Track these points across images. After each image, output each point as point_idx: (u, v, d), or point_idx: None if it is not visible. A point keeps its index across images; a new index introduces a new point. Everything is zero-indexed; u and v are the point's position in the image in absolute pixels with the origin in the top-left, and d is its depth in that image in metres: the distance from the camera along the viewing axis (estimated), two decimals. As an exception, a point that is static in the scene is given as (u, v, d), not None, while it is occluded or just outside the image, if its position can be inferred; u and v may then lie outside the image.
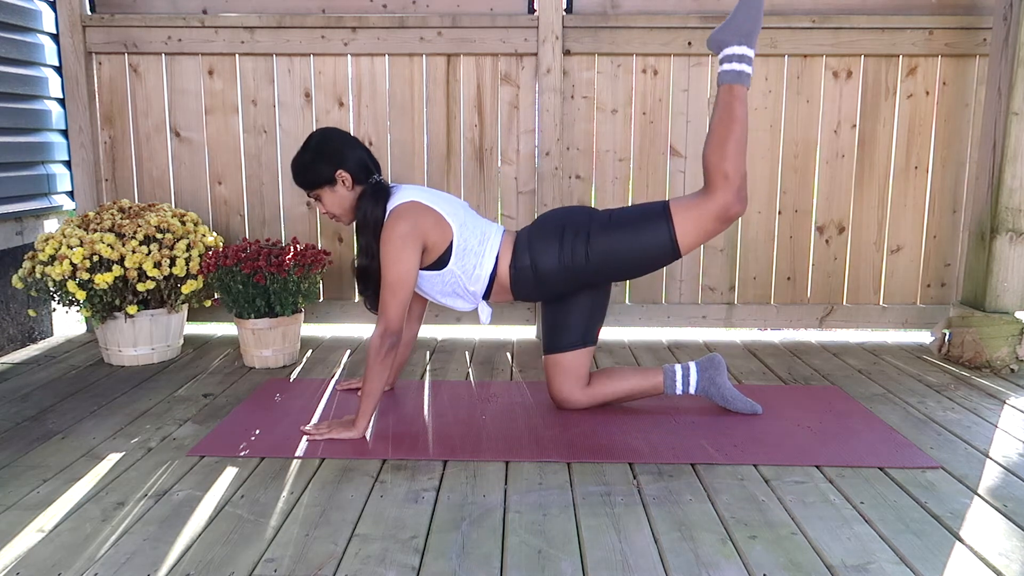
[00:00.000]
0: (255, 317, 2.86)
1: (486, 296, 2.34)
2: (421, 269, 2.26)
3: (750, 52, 2.18)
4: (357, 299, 3.49)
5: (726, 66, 2.19)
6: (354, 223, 2.31)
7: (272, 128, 3.38)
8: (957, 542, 1.64)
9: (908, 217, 3.41)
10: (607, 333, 3.49)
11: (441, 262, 2.25)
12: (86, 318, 3.20)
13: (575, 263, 2.22)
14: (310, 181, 2.29)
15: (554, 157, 3.32)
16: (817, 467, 2.01)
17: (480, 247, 2.27)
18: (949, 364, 3.01)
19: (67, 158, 3.41)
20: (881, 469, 2.00)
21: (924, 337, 3.42)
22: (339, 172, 2.26)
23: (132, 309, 2.82)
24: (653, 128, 3.36)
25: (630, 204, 3.37)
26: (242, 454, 2.07)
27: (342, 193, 2.28)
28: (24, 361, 3.02)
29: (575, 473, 1.97)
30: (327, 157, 2.26)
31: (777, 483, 1.91)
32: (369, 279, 2.27)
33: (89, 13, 3.31)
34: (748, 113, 2.11)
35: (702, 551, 1.60)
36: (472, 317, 3.46)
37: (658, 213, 2.19)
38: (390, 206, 2.24)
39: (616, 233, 2.20)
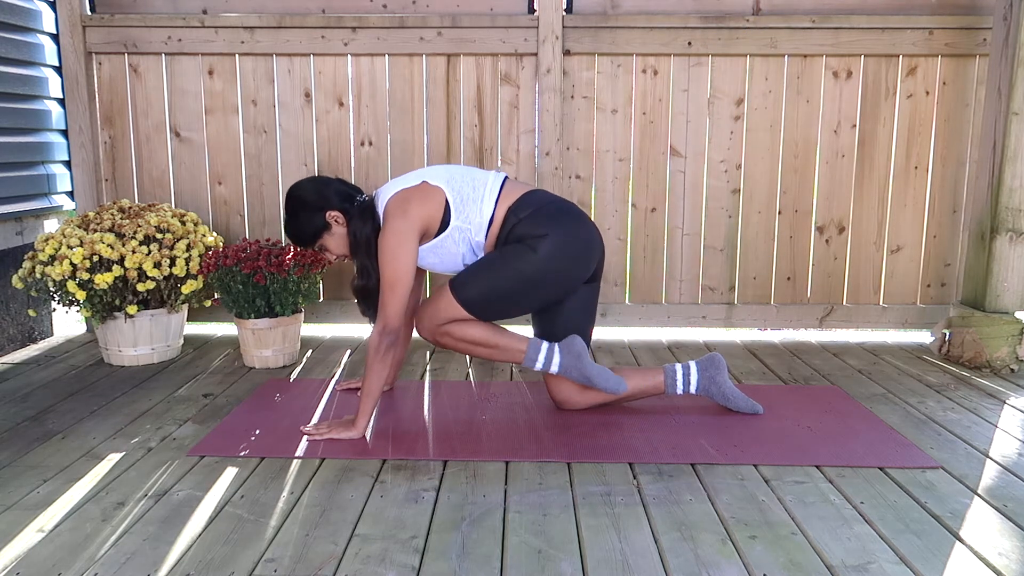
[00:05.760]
0: (255, 317, 2.86)
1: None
2: (429, 241, 2.26)
3: (556, 356, 2.28)
4: (357, 299, 3.49)
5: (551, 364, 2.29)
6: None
7: (272, 128, 3.38)
8: (957, 542, 1.64)
9: (908, 217, 3.41)
10: (607, 333, 3.49)
11: (444, 224, 2.24)
12: (86, 318, 3.20)
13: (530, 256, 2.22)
14: (310, 235, 2.31)
15: (554, 157, 3.32)
16: (817, 467, 2.01)
17: (476, 193, 2.26)
18: (949, 364, 3.01)
19: (67, 158, 3.41)
20: (881, 469, 2.00)
21: (924, 337, 3.42)
22: (329, 214, 2.28)
23: (132, 309, 2.82)
24: (653, 128, 3.36)
25: (628, 203, 3.38)
26: (242, 454, 2.07)
27: (340, 232, 2.30)
28: (24, 361, 3.02)
29: (575, 473, 1.97)
30: (311, 207, 2.28)
31: (777, 483, 1.91)
32: (368, 298, 2.28)
33: (89, 13, 3.31)
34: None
35: (702, 551, 1.60)
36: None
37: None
38: (380, 210, 2.26)
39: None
